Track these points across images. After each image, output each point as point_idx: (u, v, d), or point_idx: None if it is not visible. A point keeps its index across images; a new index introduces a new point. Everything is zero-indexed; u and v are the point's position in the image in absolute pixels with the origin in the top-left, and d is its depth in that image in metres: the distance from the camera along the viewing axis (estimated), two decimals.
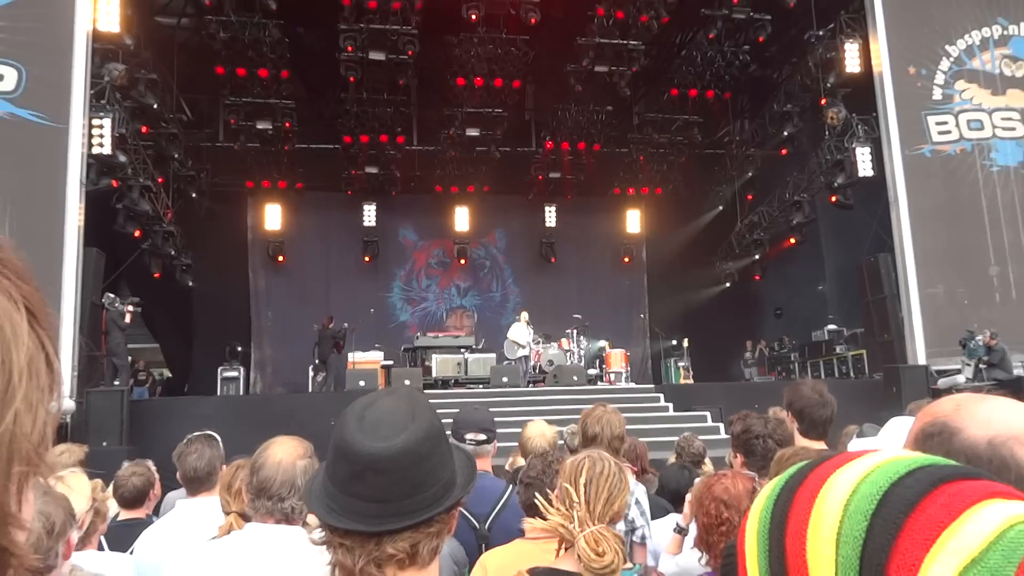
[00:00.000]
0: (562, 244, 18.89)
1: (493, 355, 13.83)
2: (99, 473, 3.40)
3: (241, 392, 14.18)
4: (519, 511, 2.38)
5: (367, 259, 18.04)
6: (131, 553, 2.83)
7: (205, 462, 2.90)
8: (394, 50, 13.38)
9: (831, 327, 16.02)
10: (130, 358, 12.79)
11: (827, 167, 14.68)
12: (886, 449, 0.58)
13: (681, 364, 16.23)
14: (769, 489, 0.60)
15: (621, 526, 2.86)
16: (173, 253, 15.00)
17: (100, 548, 2.88)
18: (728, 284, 19.51)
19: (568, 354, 14.19)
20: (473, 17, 13.16)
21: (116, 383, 10.86)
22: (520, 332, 13.66)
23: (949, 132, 13.07)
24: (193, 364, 16.59)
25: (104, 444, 8.80)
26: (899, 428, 2.04)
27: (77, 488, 2.32)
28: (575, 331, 14.68)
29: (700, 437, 4.90)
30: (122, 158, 11.70)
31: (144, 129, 13.64)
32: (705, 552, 2.12)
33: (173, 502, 3.34)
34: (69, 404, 9.17)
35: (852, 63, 13.55)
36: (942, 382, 11.35)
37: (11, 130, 10.27)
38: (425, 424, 1.11)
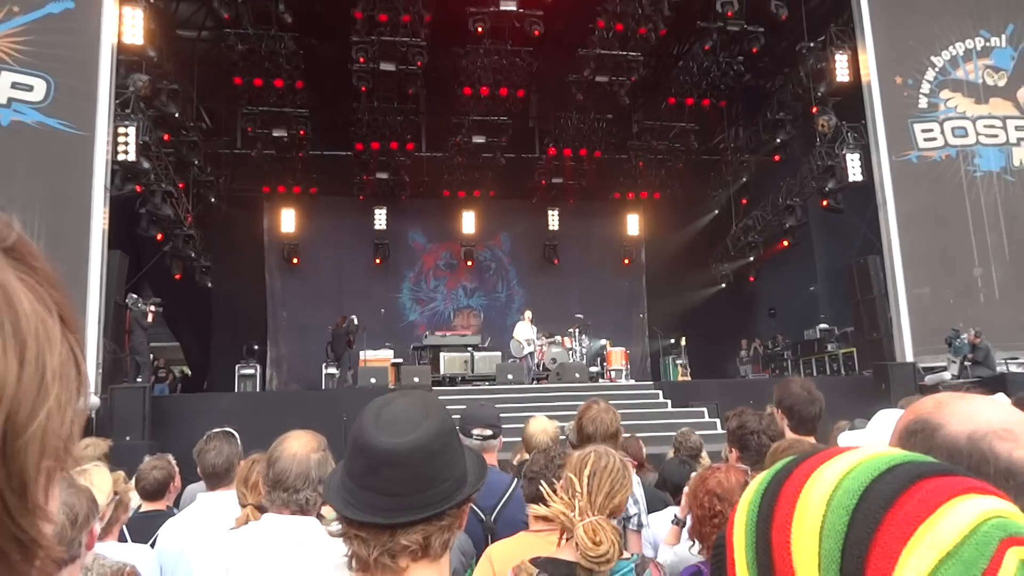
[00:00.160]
0: (565, 246, 18.87)
1: (499, 353, 13.82)
2: (122, 467, 3.42)
3: (257, 388, 14.19)
4: (523, 504, 2.38)
5: (378, 261, 18.06)
6: (153, 543, 2.84)
7: (223, 458, 2.91)
8: (404, 61, 13.39)
9: (823, 326, 15.97)
10: (152, 356, 12.82)
11: (818, 173, 14.64)
12: (869, 446, 0.58)
13: (679, 362, 16.21)
14: (756, 484, 0.60)
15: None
16: (193, 255, 15.04)
17: (123, 538, 2.89)
18: (724, 285, 19.46)
19: (570, 352, 14.19)
20: (479, 29, 13.17)
21: (139, 380, 10.89)
22: (525, 331, 13.65)
23: (935, 139, 13.04)
24: (211, 362, 16.63)
25: (127, 438, 8.83)
26: (886, 419, 2.03)
27: (98, 482, 2.33)
28: (577, 330, 14.68)
29: (697, 432, 4.89)
30: (146, 164, 11.75)
31: (166, 137, 13.69)
32: (699, 542, 2.12)
33: (194, 495, 3.35)
34: (94, 400, 9.20)
35: (842, 73, 13.52)
36: (929, 379, 11.31)
37: (40, 138, 10.32)
38: (438, 422, 1.13)
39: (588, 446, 2.25)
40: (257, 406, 10.99)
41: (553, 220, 18.58)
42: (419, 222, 18.71)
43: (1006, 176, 13.04)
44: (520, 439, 3.73)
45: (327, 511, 2.00)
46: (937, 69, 13.23)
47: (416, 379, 11.85)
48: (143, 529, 3.07)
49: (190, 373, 17.17)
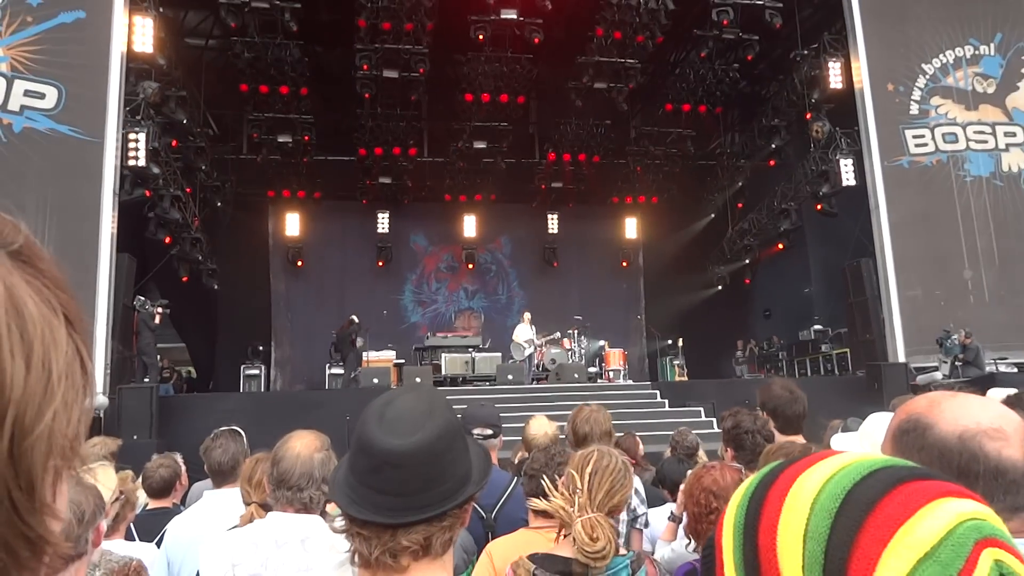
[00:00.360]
0: (564, 249, 18.88)
1: (499, 354, 13.81)
2: (129, 466, 3.41)
3: (262, 389, 14.19)
4: (523, 502, 2.38)
5: (380, 264, 18.06)
6: (160, 541, 2.83)
7: (229, 456, 2.91)
8: (406, 68, 13.41)
9: (817, 327, 15.97)
10: (158, 357, 12.82)
11: (812, 177, 14.65)
12: (853, 451, 0.59)
13: (676, 362, 16.20)
14: (744, 487, 0.61)
15: (624, 515, 2.86)
16: (200, 258, 15.04)
17: (130, 536, 2.89)
18: (720, 287, 19.46)
19: (569, 353, 14.18)
20: (480, 37, 13.19)
21: (146, 380, 10.89)
22: (524, 332, 13.65)
23: (926, 144, 13.06)
24: (217, 362, 16.63)
25: (135, 437, 8.82)
26: (877, 423, 2.03)
27: (103, 480, 2.33)
28: (576, 331, 14.67)
29: (694, 431, 4.89)
30: (155, 170, 11.77)
31: (174, 143, 13.70)
32: (694, 539, 2.12)
33: (200, 492, 3.35)
34: (102, 400, 9.20)
35: (835, 80, 13.54)
36: (920, 378, 11.32)
37: (51, 144, 10.34)
38: (442, 422, 1.11)
39: (591, 445, 2.25)
40: (262, 406, 10.98)
41: (553, 224, 18.58)
42: (421, 226, 18.72)
43: (995, 181, 13.05)
44: (520, 438, 3.72)
45: (332, 508, 1.99)
46: (928, 76, 13.25)
47: (418, 379, 11.84)
48: (150, 526, 3.07)
49: (195, 374, 17.16)
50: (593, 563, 1.70)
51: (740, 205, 18.77)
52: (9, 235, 0.38)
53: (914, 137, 13.03)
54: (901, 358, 11.91)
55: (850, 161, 13.46)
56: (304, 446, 2.07)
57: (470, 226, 18.01)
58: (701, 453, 4.68)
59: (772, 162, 17.07)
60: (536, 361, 13.76)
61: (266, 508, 2.21)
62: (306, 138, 15.14)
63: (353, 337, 14.07)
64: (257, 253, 17.69)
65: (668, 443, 4.92)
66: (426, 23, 12.83)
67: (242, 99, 14.83)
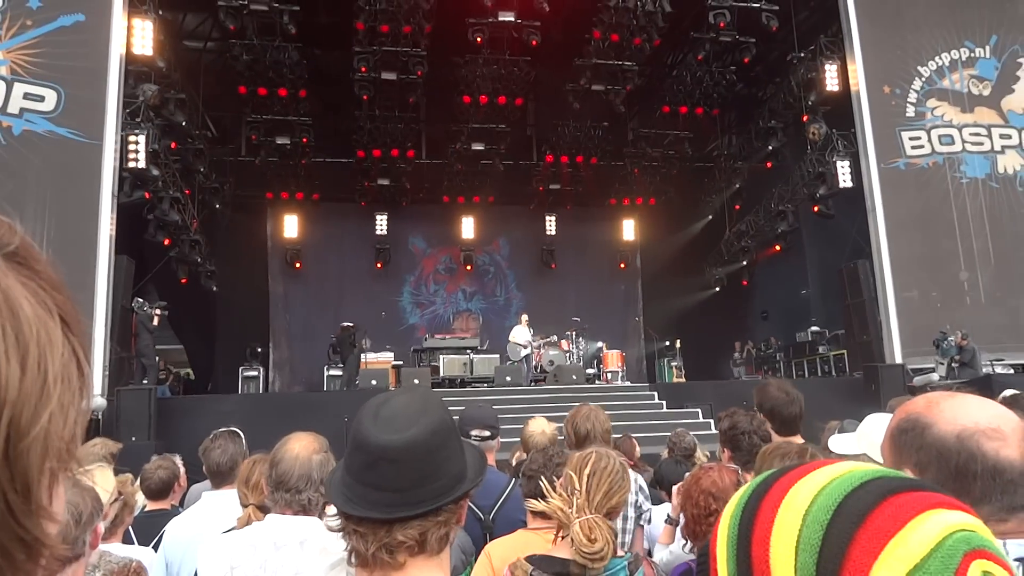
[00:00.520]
0: (562, 251, 18.89)
1: (497, 356, 13.81)
2: (128, 467, 3.40)
3: (261, 390, 14.17)
4: (521, 503, 2.37)
5: (379, 265, 18.06)
6: (158, 542, 2.83)
7: (228, 457, 2.91)
8: (404, 70, 13.41)
9: (814, 328, 15.98)
10: (157, 358, 12.80)
11: (809, 179, 14.68)
12: (845, 460, 0.59)
13: (674, 364, 16.21)
14: (737, 497, 0.61)
15: (630, 512, 2.86)
16: (199, 260, 15.03)
17: (128, 539, 2.88)
18: (718, 288, 19.48)
19: (567, 354, 14.18)
20: (478, 40, 13.20)
21: (145, 382, 10.87)
22: (521, 334, 13.64)
23: (922, 147, 13.09)
24: (216, 364, 16.60)
25: (133, 439, 8.79)
26: (875, 423, 2.03)
27: (101, 482, 2.32)
28: (574, 333, 14.68)
29: (691, 432, 4.89)
30: (155, 172, 11.76)
31: (173, 145, 13.69)
32: (692, 540, 2.11)
33: (198, 494, 3.34)
34: (100, 402, 9.18)
35: (831, 82, 13.56)
36: (917, 380, 11.33)
37: (50, 147, 10.33)
38: (436, 419, 1.12)
39: (590, 446, 2.25)
40: (260, 408, 10.96)
41: (550, 225, 18.59)
42: (419, 227, 18.72)
43: (991, 183, 13.08)
44: (518, 439, 3.72)
45: (331, 509, 1.99)
46: (924, 79, 13.29)
47: (416, 381, 11.84)
48: (148, 528, 3.06)
49: (192, 375, 17.12)
50: (591, 564, 1.70)
51: (737, 207, 18.79)
52: (5, 237, 0.38)
53: (910, 139, 13.06)
54: (898, 359, 11.92)
55: (847, 163, 13.48)
56: (303, 448, 2.07)
57: (468, 228, 18.01)
58: (699, 454, 4.67)
59: (769, 164, 17.10)
60: (534, 363, 13.75)
61: (263, 510, 2.21)
62: (304, 140, 15.14)
63: (352, 340, 14.06)
64: (255, 255, 17.68)
65: (665, 444, 4.92)
66: (424, 25, 12.84)
67: (241, 101, 14.83)
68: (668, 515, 2.89)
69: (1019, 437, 0.94)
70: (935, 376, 11.27)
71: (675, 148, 16.95)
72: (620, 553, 1.81)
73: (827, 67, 13.59)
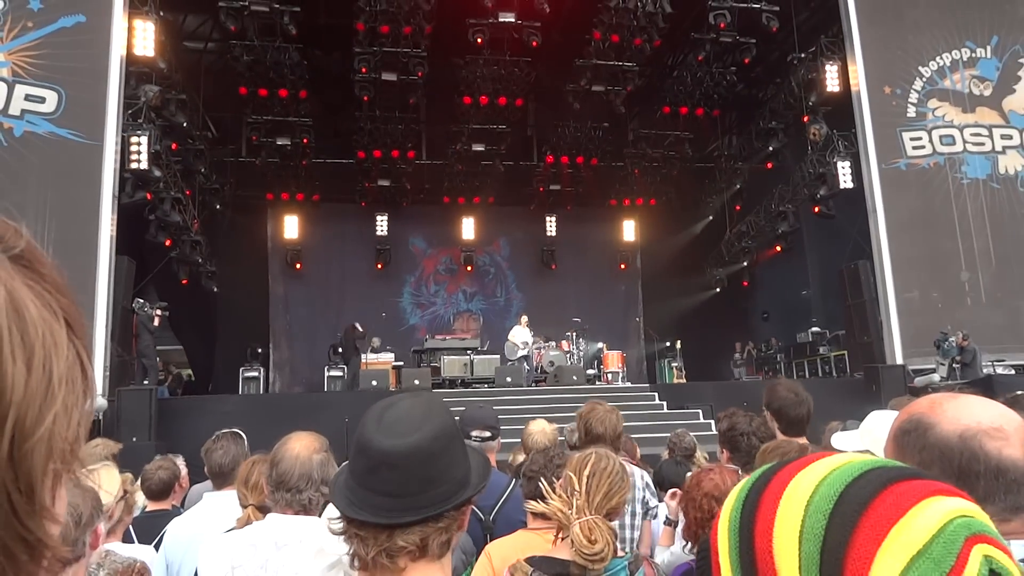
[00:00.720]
0: (562, 252, 18.89)
1: (498, 356, 13.80)
2: (129, 468, 3.40)
3: (261, 391, 14.16)
4: (522, 503, 2.37)
5: (379, 266, 18.06)
6: (158, 543, 2.83)
7: (230, 458, 2.91)
8: (405, 71, 13.42)
9: (815, 329, 15.98)
10: (157, 359, 12.80)
11: (810, 180, 14.67)
12: (846, 452, 0.59)
13: (674, 364, 16.20)
14: (738, 490, 0.62)
15: (637, 508, 2.86)
16: (200, 261, 15.03)
17: (129, 538, 2.88)
18: (718, 289, 19.47)
19: (568, 355, 14.17)
20: (479, 41, 13.21)
21: (145, 382, 10.87)
22: (520, 334, 13.63)
23: (923, 147, 13.08)
24: (216, 364, 16.61)
25: (134, 439, 8.80)
26: (877, 420, 2.03)
27: (107, 482, 2.32)
28: (574, 334, 14.67)
29: (692, 433, 4.88)
30: (157, 173, 11.77)
31: (174, 146, 13.70)
32: (694, 543, 2.11)
33: (199, 494, 3.34)
34: (102, 403, 9.18)
35: (832, 83, 13.56)
36: (918, 380, 11.33)
37: (51, 148, 10.34)
38: (438, 425, 1.11)
39: (590, 447, 2.25)
40: (261, 408, 10.96)
41: (551, 226, 18.60)
42: (420, 228, 18.73)
43: (992, 183, 13.08)
44: (519, 440, 3.72)
45: (333, 511, 1.99)
46: (925, 79, 13.29)
47: (417, 382, 11.83)
48: (148, 529, 3.06)
49: (192, 375, 17.13)
50: (591, 565, 1.70)
51: (738, 207, 18.79)
52: (11, 239, 0.38)
53: (911, 140, 13.06)
54: (899, 360, 11.92)
55: (847, 164, 13.48)
56: (303, 447, 2.07)
57: (468, 228, 18.02)
58: (699, 455, 4.67)
59: (770, 165, 17.10)
60: (535, 363, 13.75)
61: (263, 510, 2.21)
62: (305, 141, 15.15)
63: (357, 345, 14.08)
64: (256, 255, 17.68)
65: (666, 445, 4.91)
66: (424, 26, 12.85)
67: (241, 102, 14.84)
68: (667, 516, 2.89)
69: (1022, 437, 0.94)
70: (936, 377, 11.26)
71: (675, 149, 16.95)
72: (620, 553, 1.81)
73: (828, 67, 13.59)
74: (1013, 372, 11.49)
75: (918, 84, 13.24)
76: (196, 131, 14.63)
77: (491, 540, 2.38)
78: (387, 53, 13.17)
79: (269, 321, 17.62)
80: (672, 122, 16.33)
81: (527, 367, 13.35)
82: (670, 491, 2.88)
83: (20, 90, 10.38)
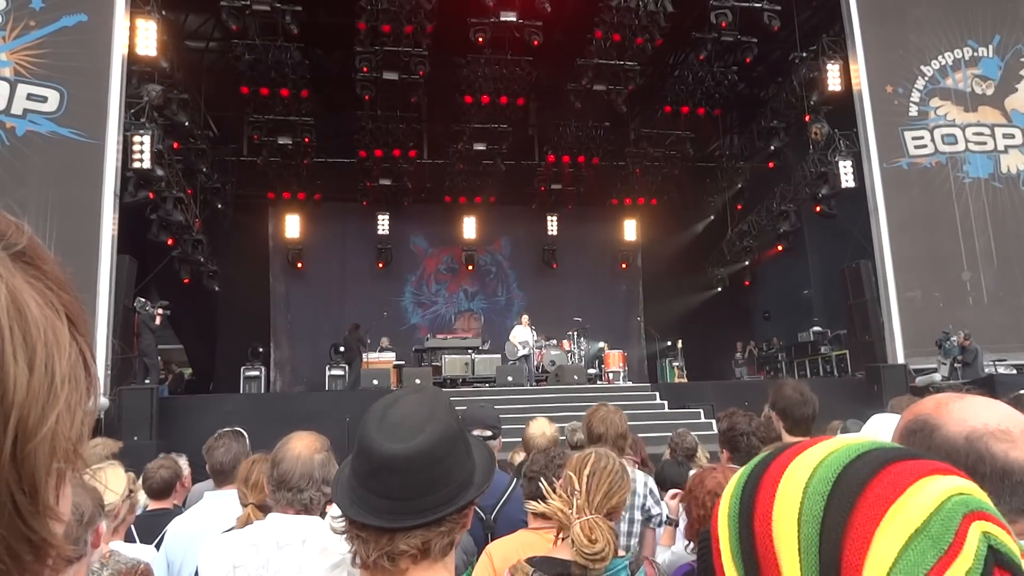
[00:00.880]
0: (563, 251, 18.88)
1: (499, 356, 13.80)
2: (130, 467, 3.40)
3: (262, 390, 14.17)
4: (523, 504, 2.37)
5: (380, 265, 18.07)
6: (159, 542, 2.83)
7: (231, 456, 2.91)
8: (406, 70, 13.42)
9: (816, 329, 15.96)
10: (159, 357, 12.81)
11: (811, 179, 14.66)
12: (841, 436, 0.60)
13: (675, 364, 16.19)
14: (737, 476, 0.62)
15: (636, 515, 2.85)
16: (201, 260, 15.04)
17: (130, 537, 2.88)
18: (719, 289, 19.46)
19: (569, 355, 14.17)
20: (480, 40, 13.20)
21: (147, 381, 10.88)
22: (521, 334, 13.63)
23: (925, 146, 13.07)
24: (217, 364, 16.62)
25: (135, 438, 8.81)
26: (879, 424, 2.03)
27: (112, 481, 2.32)
28: (575, 333, 14.67)
29: (693, 433, 4.88)
30: (160, 172, 11.78)
31: (175, 145, 13.70)
32: (695, 543, 2.11)
33: (200, 493, 3.34)
34: (103, 401, 9.19)
35: (834, 82, 13.54)
36: (920, 380, 11.31)
37: (53, 147, 10.35)
38: (441, 427, 1.09)
39: (589, 447, 2.24)
40: (262, 407, 10.97)
41: (552, 225, 18.59)
42: (421, 227, 18.73)
43: (994, 183, 13.05)
44: (519, 439, 3.72)
45: (335, 510, 1.99)
46: (927, 78, 13.27)
47: (418, 381, 11.83)
48: (149, 528, 3.06)
49: (191, 374, 17.12)
50: (592, 565, 1.70)
51: (739, 207, 18.77)
52: (12, 236, 0.38)
53: (913, 139, 13.04)
54: (900, 360, 11.91)
55: (849, 163, 13.46)
56: (304, 447, 2.07)
57: (470, 228, 18.02)
58: (700, 454, 4.67)
59: (771, 164, 17.08)
60: (536, 363, 13.75)
61: (263, 509, 2.20)
62: (306, 140, 15.15)
63: (361, 348, 14.08)
64: (257, 255, 17.70)
65: (667, 444, 4.91)
66: (426, 26, 12.85)
67: (242, 101, 14.84)
68: (667, 516, 2.88)
69: None
70: (937, 376, 11.25)
71: (677, 148, 16.94)
72: (621, 553, 1.80)
73: (829, 67, 13.57)
74: (1015, 372, 11.47)
75: (920, 83, 13.22)
76: (198, 130, 14.64)
77: (492, 540, 2.38)
78: (388, 52, 13.17)
79: (270, 320, 17.63)
80: (673, 121, 16.32)
81: (528, 366, 13.35)
82: (671, 492, 2.88)
83: (22, 89, 10.39)
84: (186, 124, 13.61)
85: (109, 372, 9.65)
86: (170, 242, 13.60)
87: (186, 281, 14.75)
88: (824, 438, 0.61)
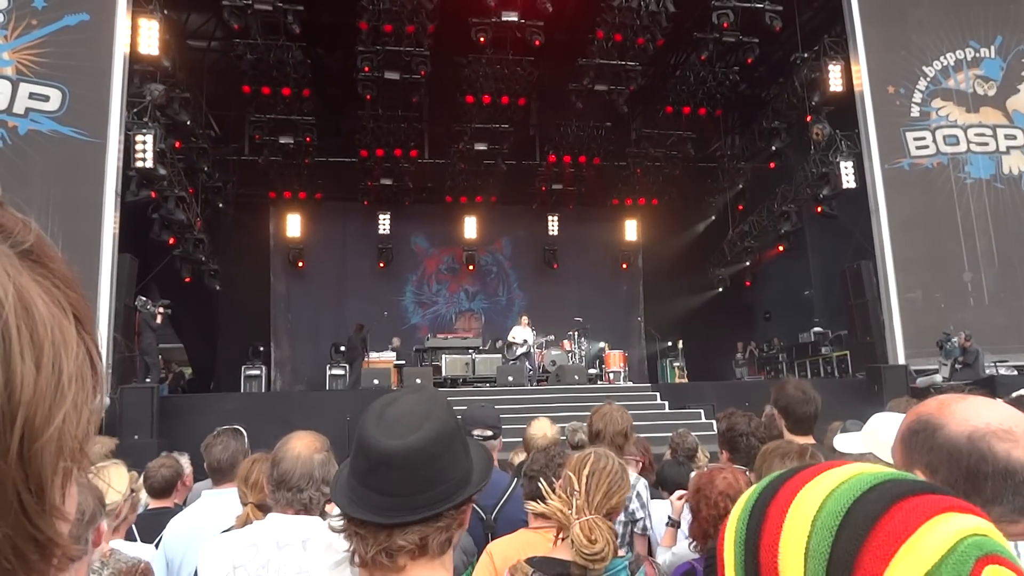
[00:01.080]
0: (564, 251, 18.88)
1: (499, 356, 13.80)
2: (130, 466, 3.40)
3: (263, 389, 14.17)
4: (523, 503, 2.37)
5: (381, 265, 18.06)
6: (159, 541, 2.83)
7: (229, 454, 2.91)
8: (408, 70, 13.42)
9: (817, 329, 15.95)
10: (159, 356, 12.81)
11: (813, 180, 14.65)
12: (853, 462, 0.58)
13: (676, 364, 16.19)
14: (744, 499, 0.60)
15: (622, 517, 2.84)
16: (203, 259, 15.04)
17: (131, 535, 2.88)
18: (720, 289, 19.44)
19: (569, 355, 14.16)
20: (481, 40, 13.20)
21: (148, 380, 10.89)
22: (520, 333, 13.62)
23: (927, 147, 13.06)
24: (218, 363, 16.62)
25: (136, 437, 8.82)
26: (880, 423, 2.03)
27: (116, 480, 2.32)
28: (576, 333, 14.66)
29: (694, 433, 4.88)
30: (162, 171, 11.79)
31: (177, 144, 13.71)
32: (703, 541, 2.10)
33: (199, 491, 3.34)
34: (105, 400, 9.19)
35: (835, 83, 13.53)
36: (920, 381, 11.30)
37: (55, 146, 10.35)
38: (439, 424, 1.11)
39: (588, 447, 2.24)
40: (262, 406, 10.97)
41: (553, 225, 18.59)
42: (422, 227, 18.73)
43: (996, 184, 13.04)
44: (520, 439, 3.72)
45: (331, 508, 1.99)
46: (929, 79, 13.25)
47: (418, 380, 11.83)
48: (150, 526, 3.07)
49: (192, 373, 17.12)
50: (592, 565, 1.70)
51: (740, 207, 18.76)
52: (20, 234, 0.38)
53: (915, 139, 13.03)
54: (901, 360, 11.90)
55: (850, 163, 13.45)
56: (304, 447, 2.07)
57: (471, 227, 18.02)
58: (701, 455, 4.67)
59: (772, 164, 17.07)
60: (536, 363, 13.74)
61: (263, 508, 2.20)
62: (307, 139, 15.15)
63: (364, 349, 14.08)
64: (258, 254, 17.70)
65: (667, 445, 4.91)
66: (427, 25, 12.84)
67: (244, 100, 14.85)
68: (669, 517, 2.88)
69: None
70: (938, 377, 11.24)
71: (678, 148, 16.93)
72: (621, 553, 1.80)
73: (831, 67, 13.56)
74: (1016, 373, 11.46)
75: (922, 84, 13.21)
76: (199, 129, 14.65)
77: (492, 539, 2.38)
78: (390, 52, 13.17)
79: (271, 319, 17.64)
80: (675, 122, 16.31)
81: (529, 366, 13.34)
82: (677, 493, 2.87)
83: (24, 88, 10.40)
84: (188, 123, 13.61)
85: (110, 371, 9.66)
86: (171, 241, 13.61)
87: (187, 280, 14.76)
88: (836, 463, 0.59)
